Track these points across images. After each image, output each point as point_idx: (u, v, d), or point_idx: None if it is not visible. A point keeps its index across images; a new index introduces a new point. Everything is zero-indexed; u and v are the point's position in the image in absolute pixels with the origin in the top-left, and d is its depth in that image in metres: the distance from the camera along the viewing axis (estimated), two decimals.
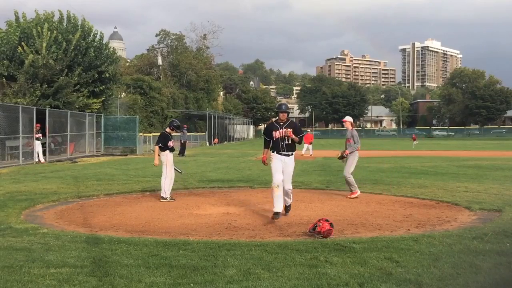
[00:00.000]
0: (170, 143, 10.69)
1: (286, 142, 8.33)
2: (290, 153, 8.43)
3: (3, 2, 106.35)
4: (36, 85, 24.98)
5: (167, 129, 10.97)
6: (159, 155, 10.75)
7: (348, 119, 11.46)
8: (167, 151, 10.61)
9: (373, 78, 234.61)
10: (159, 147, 10.66)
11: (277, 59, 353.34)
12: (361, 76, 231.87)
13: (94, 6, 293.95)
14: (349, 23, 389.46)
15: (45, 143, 23.26)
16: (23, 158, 21.16)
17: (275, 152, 8.41)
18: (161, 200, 10.36)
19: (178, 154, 26.72)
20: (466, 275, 4.73)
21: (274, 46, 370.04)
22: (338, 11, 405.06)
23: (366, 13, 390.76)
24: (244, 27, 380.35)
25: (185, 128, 30.70)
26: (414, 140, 43.94)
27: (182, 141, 29.18)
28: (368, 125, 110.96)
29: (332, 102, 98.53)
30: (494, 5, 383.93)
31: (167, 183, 10.47)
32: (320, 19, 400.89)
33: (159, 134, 11.48)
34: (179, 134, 29.15)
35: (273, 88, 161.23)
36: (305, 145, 28.03)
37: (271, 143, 8.50)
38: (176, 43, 59.95)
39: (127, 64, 60.46)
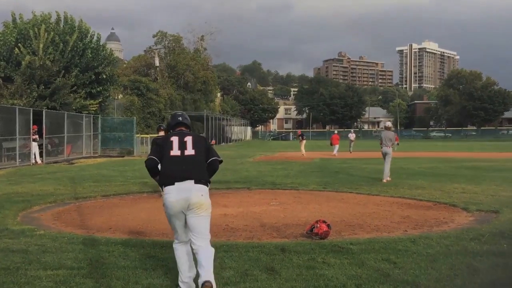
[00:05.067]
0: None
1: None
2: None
3: (4, 4, 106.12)
4: (33, 87, 24.93)
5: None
6: None
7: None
8: None
9: (371, 80, 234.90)
10: None
11: (275, 61, 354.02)
12: (359, 77, 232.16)
13: (92, 7, 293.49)
14: (347, 25, 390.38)
15: (42, 144, 23.21)
16: (19, 160, 21.11)
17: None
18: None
19: None
20: (463, 276, 4.74)
21: (272, 47, 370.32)
22: (337, 13, 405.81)
23: (364, 15, 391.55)
24: (243, 29, 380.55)
25: None
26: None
27: None
28: (366, 126, 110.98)
29: (330, 104, 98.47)
30: (493, 7, 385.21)
31: None
32: (318, 21, 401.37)
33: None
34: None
35: (270, 90, 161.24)
36: (335, 146, 29.51)
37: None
38: (173, 44, 59.90)
39: (124, 65, 60.41)
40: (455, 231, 6.90)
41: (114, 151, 30.67)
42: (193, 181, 4.32)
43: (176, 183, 4.29)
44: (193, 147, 4.47)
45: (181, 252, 4.47)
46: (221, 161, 4.61)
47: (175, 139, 4.50)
